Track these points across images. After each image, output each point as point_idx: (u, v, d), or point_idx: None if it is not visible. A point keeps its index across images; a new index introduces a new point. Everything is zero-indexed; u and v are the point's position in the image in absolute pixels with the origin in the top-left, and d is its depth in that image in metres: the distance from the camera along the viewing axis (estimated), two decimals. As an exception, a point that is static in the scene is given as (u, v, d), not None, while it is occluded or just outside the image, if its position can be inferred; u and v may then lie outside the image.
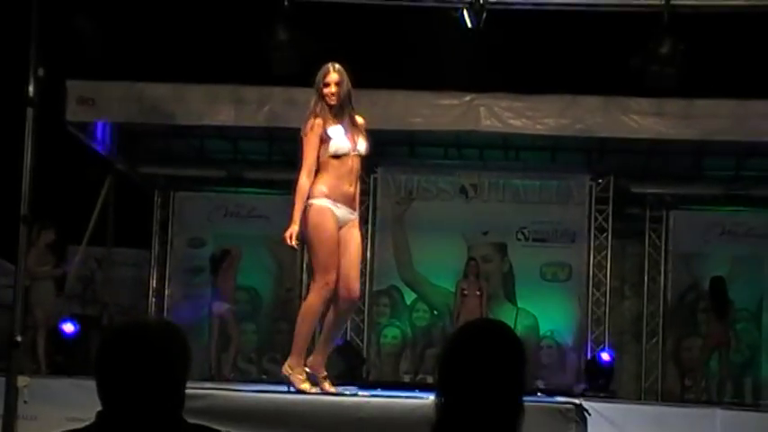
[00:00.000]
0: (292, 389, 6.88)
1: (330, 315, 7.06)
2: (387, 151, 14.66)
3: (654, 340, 15.18)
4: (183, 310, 15.45)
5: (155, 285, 15.90)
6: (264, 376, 14.33)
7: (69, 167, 14.59)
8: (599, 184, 15.16)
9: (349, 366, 13.68)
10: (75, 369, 12.11)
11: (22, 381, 10.17)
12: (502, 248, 15.39)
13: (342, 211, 6.92)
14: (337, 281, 6.92)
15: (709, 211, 15.51)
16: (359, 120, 7.06)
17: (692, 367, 15.15)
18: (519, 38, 13.54)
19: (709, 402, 13.61)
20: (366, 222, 14.21)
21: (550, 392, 11.52)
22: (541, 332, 15.17)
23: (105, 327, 14.43)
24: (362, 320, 14.87)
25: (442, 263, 15.19)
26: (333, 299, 6.97)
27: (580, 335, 15.08)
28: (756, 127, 13.26)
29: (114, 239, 15.74)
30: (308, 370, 7.04)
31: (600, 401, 11.21)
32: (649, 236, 15.38)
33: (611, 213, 15.11)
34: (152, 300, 15.80)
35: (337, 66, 6.99)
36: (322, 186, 6.85)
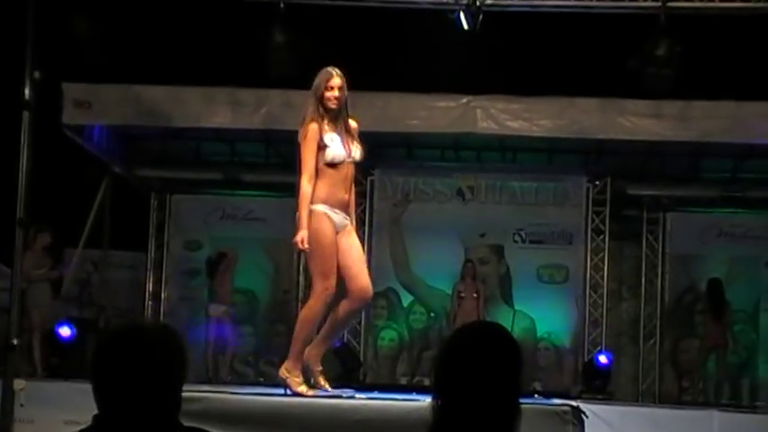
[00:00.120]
0: (289, 392, 6.87)
1: (340, 312, 7.03)
2: (383, 153, 14.66)
3: (651, 342, 15.18)
4: (180, 313, 15.45)
5: (151, 288, 15.87)
6: (261, 379, 14.30)
7: (66, 170, 14.57)
8: (596, 185, 15.16)
9: (346, 369, 13.69)
10: (71, 372, 12.08)
11: (18, 384, 10.17)
12: (499, 250, 15.39)
13: (338, 217, 6.94)
14: (349, 281, 6.93)
15: (707, 212, 15.50)
16: (352, 124, 7.08)
17: (689, 369, 15.15)
18: (515, 40, 13.55)
19: (706, 404, 13.61)
20: (363, 224, 14.20)
21: (548, 394, 11.50)
22: (538, 334, 15.16)
23: (102, 330, 14.42)
24: (359, 323, 14.84)
25: (438, 265, 15.18)
26: (346, 297, 6.98)
27: (577, 337, 15.07)
28: (753, 129, 13.27)
29: (111, 242, 15.71)
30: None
31: (597, 403, 11.21)
32: (646, 237, 15.37)
33: (608, 215, 15.11)
34: (149, 302, 15.77)
35: (338, 71, 7.00)
36: (319, 192, 6.86)
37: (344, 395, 6.90)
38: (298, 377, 6.90)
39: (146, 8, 12.49)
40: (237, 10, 12.70)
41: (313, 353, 7.08)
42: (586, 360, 14.63)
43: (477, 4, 11.91)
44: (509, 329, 3.12)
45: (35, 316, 13.16)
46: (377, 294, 15.31)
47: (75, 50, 12.28)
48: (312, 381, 7.02)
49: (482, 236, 15.35)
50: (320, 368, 7.09)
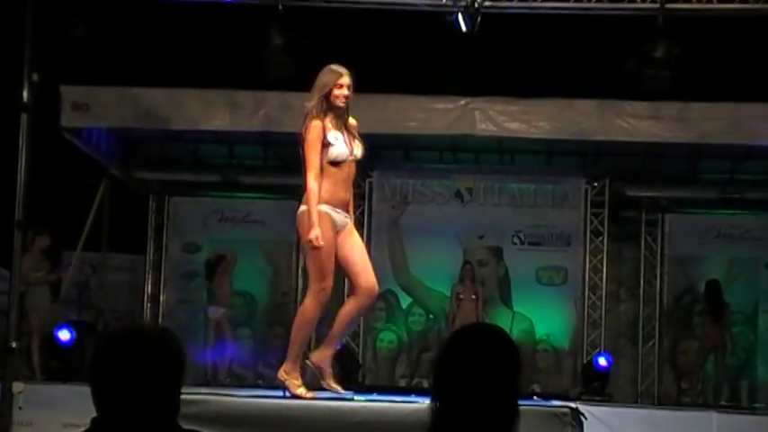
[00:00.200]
0: (288, 394, 6.86)
1: (348, 310, 7.03)
2: (382, 155, 14.66)
3: (650, 343, 15.17)
4: (179, 316, 15.44)
5: (150, 290, 15.87)
6: (260, 381, 14.30)
7: (64, 173, 14.56)
8: (594, 187, 15.17)
9: (345, 371, 13.67)
10: (70, 375, 12.08)
11: (17, 387, 10.16)
12: (497, 252, 15.39)
13: (340, 217, 6.95)
14: (356, 279, 6.95)
15: (705, 214, 15.51)
16: (352, 121, 7.08)
17: (688, 370, 15.16)
18: (514, 41, 13.56)
19: (705, 405, 13.61)
20: (361, 226, 14.19)
21: (546, 396, 11.50)
22: (537, 336, 15.16)
23: (100, 332, 14.41)
24: (358, 325, 14.84)
25: (437, 267, 15.18)
26: (354, 295, 7.00)
27: (576, 338, 15.07)
28: (752, 130, 13.27)
29: (109, 245, 15.72)
30: (309, 363, 7.02)
31: (596, 405, 11.19)
32: (645, 239, 15.38)
33: (606, 217, 15.12)
34: (147, 305, 15.77)
35: (346, 69, 7.00)
36: (322, 192, 6.85)
37: (343, 397, 6.90)
38: (296, 379, 6.89)
39: (144, 11, 12.48)
40: (235, 12, 12.70)
41: (325, 355, 7.07)
42: (585, 362, 14.63)
43: (476, 5, 11.91)
44: (508, 331, 3.13)
45: (34, 319, 13.14)
46: (376, 296, 15.36)
47: (74, 53, 12.26)
48: (325, 383, 6.99)
49: (481, 237, 15.36)
50: (330, 371, 7.08)
